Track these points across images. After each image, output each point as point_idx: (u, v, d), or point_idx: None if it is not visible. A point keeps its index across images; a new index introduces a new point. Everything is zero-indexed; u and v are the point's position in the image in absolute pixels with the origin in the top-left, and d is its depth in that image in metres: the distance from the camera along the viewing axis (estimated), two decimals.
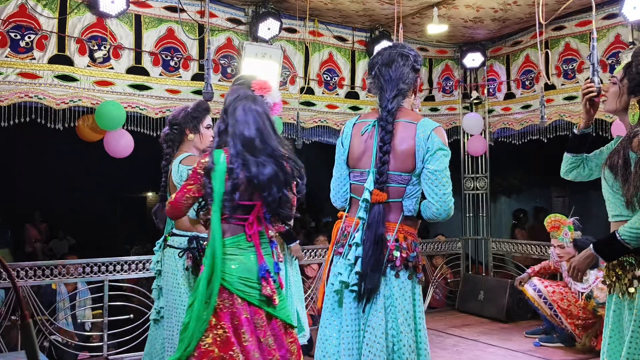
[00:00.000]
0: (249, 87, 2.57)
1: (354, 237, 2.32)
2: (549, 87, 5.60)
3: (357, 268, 2.27)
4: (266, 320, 2.40)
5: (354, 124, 2.47)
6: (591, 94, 2.48)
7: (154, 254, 3.40)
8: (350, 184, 2.44)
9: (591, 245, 2.34)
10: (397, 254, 2.29)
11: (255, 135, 2.42)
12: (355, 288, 2.26)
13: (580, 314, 4.59)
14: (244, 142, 2.41)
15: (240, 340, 2.31)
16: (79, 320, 5.04)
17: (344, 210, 2.48)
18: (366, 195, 2.31)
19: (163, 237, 3.34)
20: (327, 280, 2.42)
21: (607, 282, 2.34)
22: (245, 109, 2.46)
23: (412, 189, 2.33)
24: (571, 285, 4.71)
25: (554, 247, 4.80)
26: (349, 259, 2.30)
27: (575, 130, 2.57)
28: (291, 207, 2.51)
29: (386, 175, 2.30)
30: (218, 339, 2.29)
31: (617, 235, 2.19)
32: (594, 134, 4.14)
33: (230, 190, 2.37)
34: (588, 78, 3.50)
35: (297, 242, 4.34)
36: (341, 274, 2.31)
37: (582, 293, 4.58)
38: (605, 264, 2.36)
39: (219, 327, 2.31)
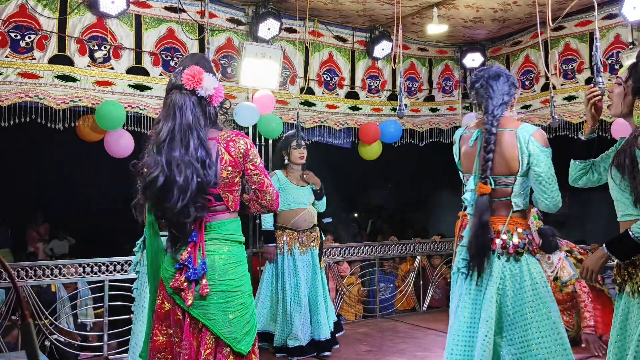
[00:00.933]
0: (178, 81, 2.34)
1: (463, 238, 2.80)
2: (548, 87, 5.60)
3: (464, 254, 2.73)
4: (181, 319, 2.31)
5: (461, 135, 2.90)
6: (596, 98, 2.48)
7: None
8: (465, 186, 2.88)
9: (604, 245, 2.32)
10: (510, 242, 2.67)
11: (165, 136, 2.27)
12: (464, 271, 2.72)
13: (562, 298, 4.62)
14: (154, 143, 2.32)
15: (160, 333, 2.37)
16: (79, 321, 5.05)
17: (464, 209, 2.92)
18: (467, 195, 2.77)
19: (143, 237, 3.27)
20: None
21: (618, 281, 2.33)
22: (167, 106, 2.34)
23: (519, 188, 2.69)
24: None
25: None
26: (462, 246, 2.77)
27: (582, 136, 2.56)
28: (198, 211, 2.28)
29: (489, 171, 2.66)
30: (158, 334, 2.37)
31: (631, 233, 2.19)
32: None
33: (143, 190, 2.32)
34: (592, 82, 3.49)
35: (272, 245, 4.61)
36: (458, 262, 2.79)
37: (549, 276, 4.61)
38: (615, 263, 2.35)
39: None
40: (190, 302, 2.24)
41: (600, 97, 2.48)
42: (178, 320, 2.31)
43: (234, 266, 2.34)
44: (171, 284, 2.28)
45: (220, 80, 5.05)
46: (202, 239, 2.31)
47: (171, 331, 2.34)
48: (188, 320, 2.28)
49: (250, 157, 2.37)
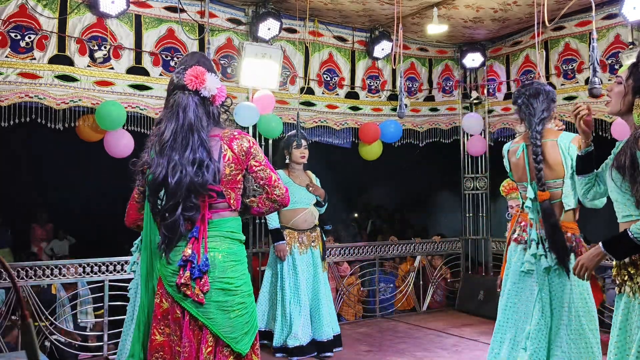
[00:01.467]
0: (182, 81, 2.36)
1: (530, 234, 3.14)
2: None
3: (539, 250, 3.09)
4: (181, 317, 2.31)
5: (508, 149, 3.30)
6: (582, 114, 2.50)
7: None
8: (520, 192, 3.31)
9: (601, 244, 2.31)
10: None
11: (169, 137, 2.30)
12: (534, 268, 3.11)
13: None
14: (158, 143, 2.35)
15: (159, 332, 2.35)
16: (79, 321, 5.04)
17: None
18: (528, 203, 3.11)
19: (140, 237, 3.25)
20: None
21: (618, 282, 2.32)
22: (170, 106, 2.36)
23: (567, 189, 3.07)
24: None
25: (511, 207, 4.86)
26: (530, 248, 3.13)
27: (579, 152, 2.58)
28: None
29: (543, 178, 3.03)
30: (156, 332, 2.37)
31: (629, 233, 2.18)
32: (593, 134, 4.14)
33: (147, 189, 2.37)
34: (589, 82, 3.53)
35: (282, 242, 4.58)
36: (524, 262, 3.15)
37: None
38: (615, 263, 2.35)
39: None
40: (200, 297, 2.24)
41: (587, 112, 2.50)
42: (177, 319, 2.30)
43: (233, 264, 2.33)
44: (177, 280, 2.27)
45: (220, 80, 5.10)
46: (205, 235, 2.30)
47: (169, 330, 2.34)
48: (187, 318, 2.27)
49: (254, 154, 2.37)
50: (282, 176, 4.65)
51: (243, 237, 2.43)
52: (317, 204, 4.77)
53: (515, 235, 3.29)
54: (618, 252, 2.26)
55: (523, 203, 3.20)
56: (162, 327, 2.35)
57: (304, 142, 4.71)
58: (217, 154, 2.31)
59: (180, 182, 2.24)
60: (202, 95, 2.34)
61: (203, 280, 2.25)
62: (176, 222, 2.27)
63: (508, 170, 3.35)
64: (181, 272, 2.26)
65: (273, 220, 4.65)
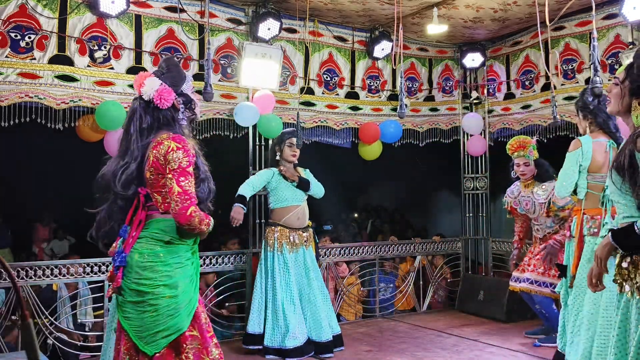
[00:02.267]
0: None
1: (606, 224, 2.97)
2: (548, 87, 5.60)
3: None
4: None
5: (592, 141, 3.60)
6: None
7: None
8: (588, 182, 3.57)
9: (609, 234, 2.32)
10: None
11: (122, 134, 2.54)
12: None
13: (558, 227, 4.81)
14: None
15: None
16: (79, 321, 5.04)
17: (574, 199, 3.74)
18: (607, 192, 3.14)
19: None
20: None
21: (618, 281, 2.32)
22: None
23: None
24: (533, 199, 4.88)
25: (518, 165, 4.95)
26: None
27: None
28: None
29: None
30: None
31: (636, 228, 2.19)
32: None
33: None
34: (590, 82, 3.57)
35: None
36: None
37: (542, 203, 4.79)
38: (616, 264, 2.35)
39: None
40: (109, 293, 2.41)
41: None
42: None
43: (151, 265, 2.34)
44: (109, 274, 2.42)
45: (220, 81, 5.11)
46: (135, 235, 2.41)
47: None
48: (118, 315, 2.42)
49: (169, 160, 2.36)
50: (275, 173, 4.66)
51: (173, 239, 2.40)
52: (301, 188, 4.71)
53: (590, 231, 3.47)
54: (624, 244, 2.26)
55: (603, 195, 3.13)
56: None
57: (295, 140, 4.72)
58: (145, 159, 2.44)
59: (108, 184, 2.47)
60: (146, 99, 2.45)
61: (117, 275, 2.35)
62: (102, 221, 2.49)
63: (588, 162, 3.55)
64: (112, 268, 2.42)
65: (242, 187, 4.55)
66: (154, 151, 2.38)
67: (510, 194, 5.07)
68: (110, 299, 2.50)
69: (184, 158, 2.35)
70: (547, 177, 4.85)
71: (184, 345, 2.32)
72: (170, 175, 2.33)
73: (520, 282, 4.87)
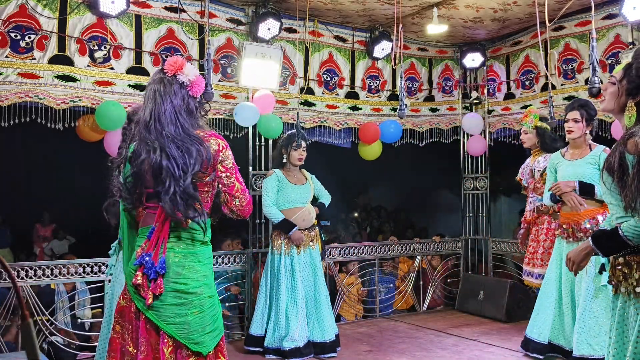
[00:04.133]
0: (161, 69, 2.39)
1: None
2: (548, 87, 5.60)
3: None
4: (134, 317, 2.26)
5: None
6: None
7: None
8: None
9: (589, 239, 2.32)
10: None
11: (149, 118, 2.27)
12: None
13: None
14: (142, 126, 2.28)
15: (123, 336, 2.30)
16: (78, 320, 5.04)
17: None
18: None
19: (118, 240, 3.19)
20: None
21: (613, 282, 2.32)
22: (148, 92, 2.33)
23: None
24: (532, 167, 4.87)
25: (525, 133, 4.93)
26: None
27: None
28: (194, 204, 2.24)
29: None
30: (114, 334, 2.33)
31: (620, 232, 2.18)
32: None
33: (131, 179, 2.28)
34: (589, 82, 3.56)
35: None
36: None
37: (538, 171, 4.77)
38: (610, 264, 2.35)
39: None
40: (150, 300, 2.19)
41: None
42: (131, 318, 2.26)
43: (191, 265, 2.27)
44: (133, 281, 2.23)
45: (220, 81, 5.11)
46: (166, 236, 2.25)
47: (119, 328, 2.30)
48: (143, 318, 2.23)
49: (221, 158, 2.32)
50: (280, 175, 4.64)
51: (207, 238, 2.35)
52: (319, 206, 4.78)
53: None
54: (605, 249, 2.27)
55: None
56: (115, 325, 2.33)
57: (303, 143, 4.70)
58: None
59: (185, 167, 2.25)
60: (184, 81, 2.35)
61: (157, 282, 2.20)
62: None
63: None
64: (138, 273, 2.23)
65: (275, 214, 4.58)
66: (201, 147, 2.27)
67: (522, 167, 5.07)
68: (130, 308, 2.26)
69: (231, 155, 2.40)
70: (551, 148, 4.71)
71: (221, 344, 2.33)
72: (228, 173, 2.34)
73: (534, 277, 4.81)
